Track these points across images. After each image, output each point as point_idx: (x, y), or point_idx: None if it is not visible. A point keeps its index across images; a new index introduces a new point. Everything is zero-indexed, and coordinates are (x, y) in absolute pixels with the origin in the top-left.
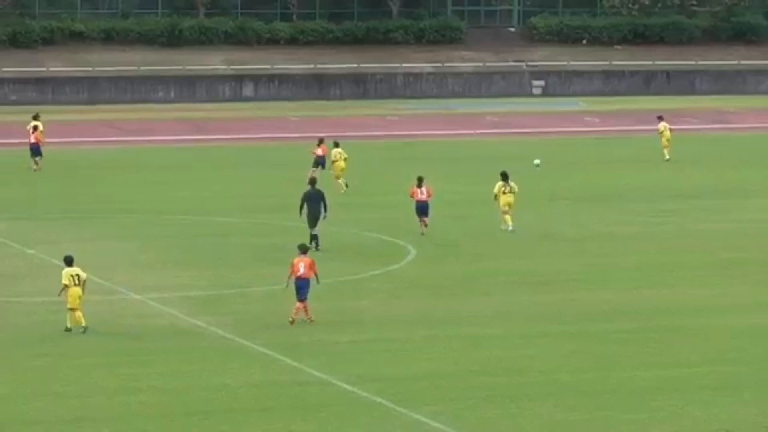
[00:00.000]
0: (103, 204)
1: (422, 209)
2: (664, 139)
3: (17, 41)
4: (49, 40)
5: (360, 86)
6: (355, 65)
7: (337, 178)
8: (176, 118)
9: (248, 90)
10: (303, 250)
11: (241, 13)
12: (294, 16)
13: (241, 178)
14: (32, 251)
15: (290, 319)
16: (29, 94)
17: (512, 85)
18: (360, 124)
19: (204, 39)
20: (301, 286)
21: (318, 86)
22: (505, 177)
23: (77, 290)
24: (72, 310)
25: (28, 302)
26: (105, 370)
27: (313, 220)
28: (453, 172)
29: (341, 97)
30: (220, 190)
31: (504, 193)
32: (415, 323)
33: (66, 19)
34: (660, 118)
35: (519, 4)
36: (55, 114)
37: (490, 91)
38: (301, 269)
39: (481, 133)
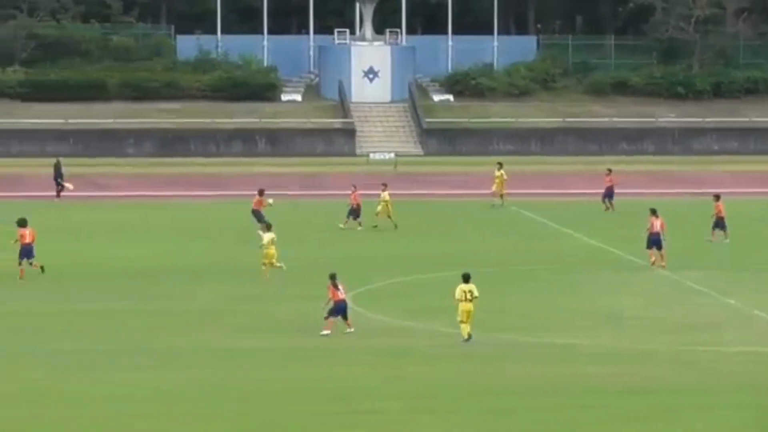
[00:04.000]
0: None
1: (258, 216)
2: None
3: (720, 91)
4: (752, 90)
5: None
6: None
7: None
8: None
9: None
10: None
11: None
12: None
13: None
14: (731, 300)
15: None
16: (731, 144)
17: None
18: None
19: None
20: None
21: None
22: None
23: (468, 305)
24: (461, 322)
25: (728, 352)
26: None
27: None
28: None
29: None
30: None
31: None
32: None
33: None
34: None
35: None
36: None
37: None
38: None
39: None
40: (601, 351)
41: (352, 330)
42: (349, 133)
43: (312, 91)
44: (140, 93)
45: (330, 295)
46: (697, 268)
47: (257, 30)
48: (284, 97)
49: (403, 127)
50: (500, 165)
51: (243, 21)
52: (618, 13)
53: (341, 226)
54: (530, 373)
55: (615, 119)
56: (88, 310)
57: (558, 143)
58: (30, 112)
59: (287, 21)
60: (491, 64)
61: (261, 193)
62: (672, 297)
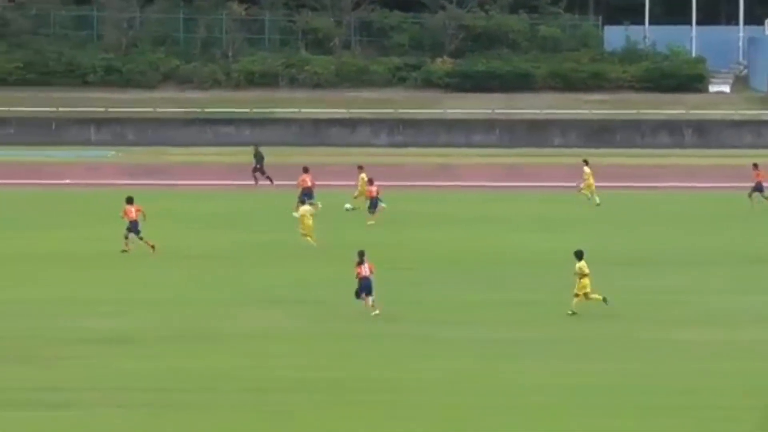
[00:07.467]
0: None
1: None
2: None
3: None
4: None
5: None
6: None
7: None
8: None
9: None
10: None
11: None
12: None
13: None
14: None
15: None
16: None
17: None
18: None
19: None
20: None
21: None
22: None
23: (586, 280)
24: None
25: None
26: None
27: None
28: None
29: None
30: None
31: None
32: None
33: None
34: None
35: None
36: None
37: None
38: None
39: None
40: None
41: (378, 312)
42: None
43: (741, 82)
44: (567, 84)
45: (355, 274)
46: None
47: (685, 20)
48: (712, 89)
49: None
50: (586, 162)
51: (670, 11)
52: None
53: (370, 222)
54: None
55: None
56: (511, 300)
57: None
58: (457, 102)
59: (716, 11)
60: None
61: (306, 170)
62: None
